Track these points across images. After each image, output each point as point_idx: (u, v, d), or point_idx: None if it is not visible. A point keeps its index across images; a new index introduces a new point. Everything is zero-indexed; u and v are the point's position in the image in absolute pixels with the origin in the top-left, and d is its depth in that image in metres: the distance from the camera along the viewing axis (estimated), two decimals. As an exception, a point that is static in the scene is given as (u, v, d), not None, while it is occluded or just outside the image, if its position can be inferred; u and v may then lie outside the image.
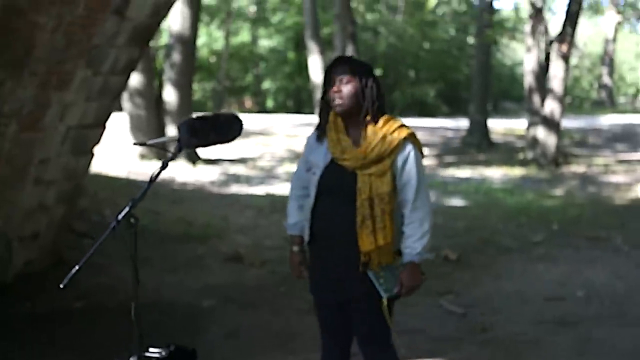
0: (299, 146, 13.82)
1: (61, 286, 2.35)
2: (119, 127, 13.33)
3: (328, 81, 2.91)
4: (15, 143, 5.04)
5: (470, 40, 29.08)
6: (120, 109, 12.39)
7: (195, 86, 26.40)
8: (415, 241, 2.85)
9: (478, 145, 16.26)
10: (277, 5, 28.33)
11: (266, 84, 29.60)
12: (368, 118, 2.88)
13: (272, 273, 6.36)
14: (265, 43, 29.48)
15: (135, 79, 11.95)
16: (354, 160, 2.84)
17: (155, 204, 8.29)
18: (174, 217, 7.94)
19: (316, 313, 3.10)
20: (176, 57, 12.75)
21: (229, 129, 2.53)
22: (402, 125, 2.90)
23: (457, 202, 10.21)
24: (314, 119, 2.76)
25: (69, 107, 5.37)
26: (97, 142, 6.02)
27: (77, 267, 2.37)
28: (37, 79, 4.86)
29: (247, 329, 4.96)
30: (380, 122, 2.88)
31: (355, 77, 2.86)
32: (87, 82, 5.40)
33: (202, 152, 12.74)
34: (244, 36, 29.54)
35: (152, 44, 12.75)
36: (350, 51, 17.59)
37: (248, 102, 29.69)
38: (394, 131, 2.86)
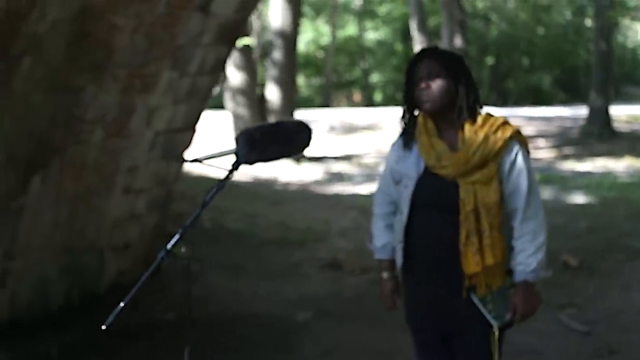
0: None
1: (103, 327, 2.09)
2: (222, 125, 13.30)
3: (412, 79, 2.49)
4: (102, 151, 4.90)
5: (589, 23, 27.57)
6: (222, 107, 12.33)
7: (302, 82, 26.40)
8: (528, 257, 2.43)
9: (599, 135, 15.14)
10: (383, -4, 27.86)
11: (374, 77, 29.19)
12: (464, 117, 2.46)
13: (373, 282, 5.92)
14: (372, 36, 29.09)
15: (237, 78, 11.85)
16: (455, 166, 2.43)
17: (253, 207, 8.04)
18: (272, 221, 7.66)
19: (414, 343, 2.71)
20: (277, 54, 12.55)
21: (295, 139, 2.13)
22: (505, 122, 2.49)
23: (578, 198, 9.39)
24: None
25: (156, 111, 5.18)
26: (188, 146, 5.80)
27: (122, 304, 2.13)
28: (119, 84, 4.68)
29: (344, 347, 4.61)
30: (479, 120, 2.47)
31: (445, 71, 2.45)
32: (174, 85, 5.19)
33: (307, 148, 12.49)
34: (350, 30, 29.25)
35: (252, 41, 12.62)
36: (457, 41, 16.88)
37: (356, 96, 29.37)
38: (497, 130, 2.45)
